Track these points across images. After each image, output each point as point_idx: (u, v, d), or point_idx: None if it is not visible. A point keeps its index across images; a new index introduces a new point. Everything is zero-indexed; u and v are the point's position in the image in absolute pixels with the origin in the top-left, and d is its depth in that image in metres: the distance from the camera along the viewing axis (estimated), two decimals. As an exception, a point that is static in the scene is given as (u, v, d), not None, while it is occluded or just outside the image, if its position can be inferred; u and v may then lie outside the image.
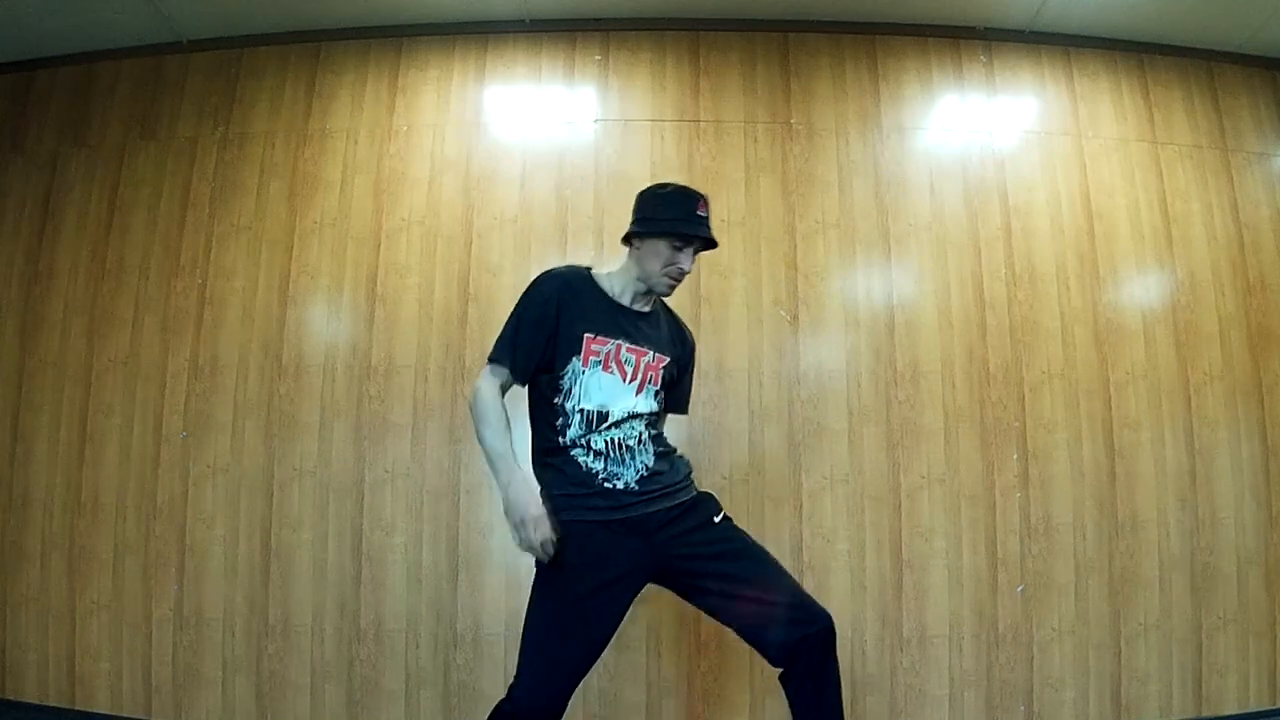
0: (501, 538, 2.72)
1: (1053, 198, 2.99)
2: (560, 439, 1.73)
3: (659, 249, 1.75)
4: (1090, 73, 3.13)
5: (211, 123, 3.08)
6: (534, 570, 1.71)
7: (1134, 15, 3.02)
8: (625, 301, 1.80)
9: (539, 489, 1.71)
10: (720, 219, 2.93)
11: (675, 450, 1.84)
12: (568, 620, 1.65)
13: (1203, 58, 3.17)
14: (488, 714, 1.66)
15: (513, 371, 1.75)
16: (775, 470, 2.77)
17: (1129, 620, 2.73)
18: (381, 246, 2.93)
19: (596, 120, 3.03)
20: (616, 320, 1.76)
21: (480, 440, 1.71)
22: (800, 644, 1.65)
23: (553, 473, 1.75)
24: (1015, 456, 2.80)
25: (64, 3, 2.92)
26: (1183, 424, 2.85)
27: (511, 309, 1.79)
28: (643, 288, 1.80)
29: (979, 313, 2.89)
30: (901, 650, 2.69)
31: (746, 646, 2.66)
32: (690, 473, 1.85)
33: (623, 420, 1.73)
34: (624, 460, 1.73)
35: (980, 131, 3.05)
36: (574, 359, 1.72)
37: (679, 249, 1.76)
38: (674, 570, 1.74)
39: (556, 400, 1.74)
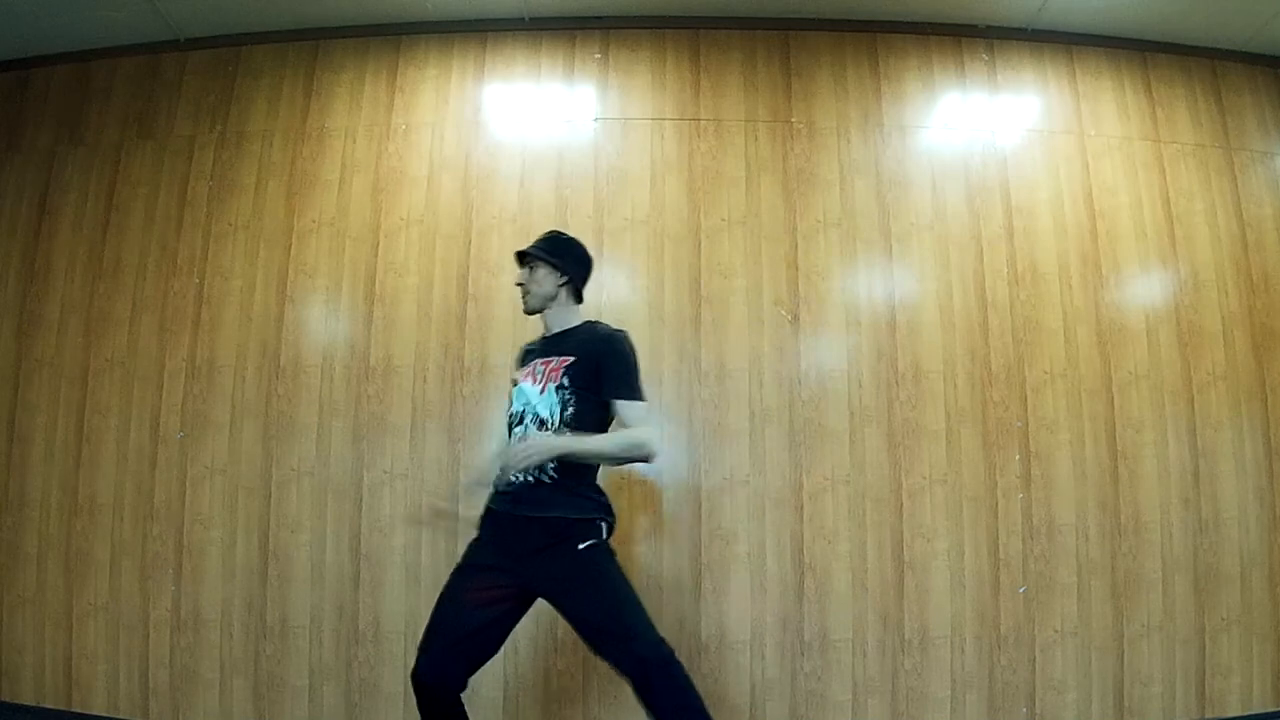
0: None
1: (1055, 197, 2.98)
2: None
3: None
4: (1093, 71, 3.11)
5: (209, 121, 3.06)
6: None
7: (1137, 13, 3.00)
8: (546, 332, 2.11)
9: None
10: (721, 218, 2.92)
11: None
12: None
13: (1206, 56, 3.15)
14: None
15: None
16: (776, 471, 2.75)
17: (1132, 622, 2.72)
18: (380, 246, 2.92)
19: (596, 118, 3.01)
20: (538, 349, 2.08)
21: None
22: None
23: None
24: (1017, 457, 2.79)
25: (61, 0, 2.90)
26: (1186, 424, 2.84)
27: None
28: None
29: (981, 312, 2.87)
30: (904, 652, 2.67)
31: (746, 649, 2.67)
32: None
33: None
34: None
35: (982, 130, 3.04)
36: None
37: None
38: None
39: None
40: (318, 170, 2.99)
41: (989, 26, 3.11)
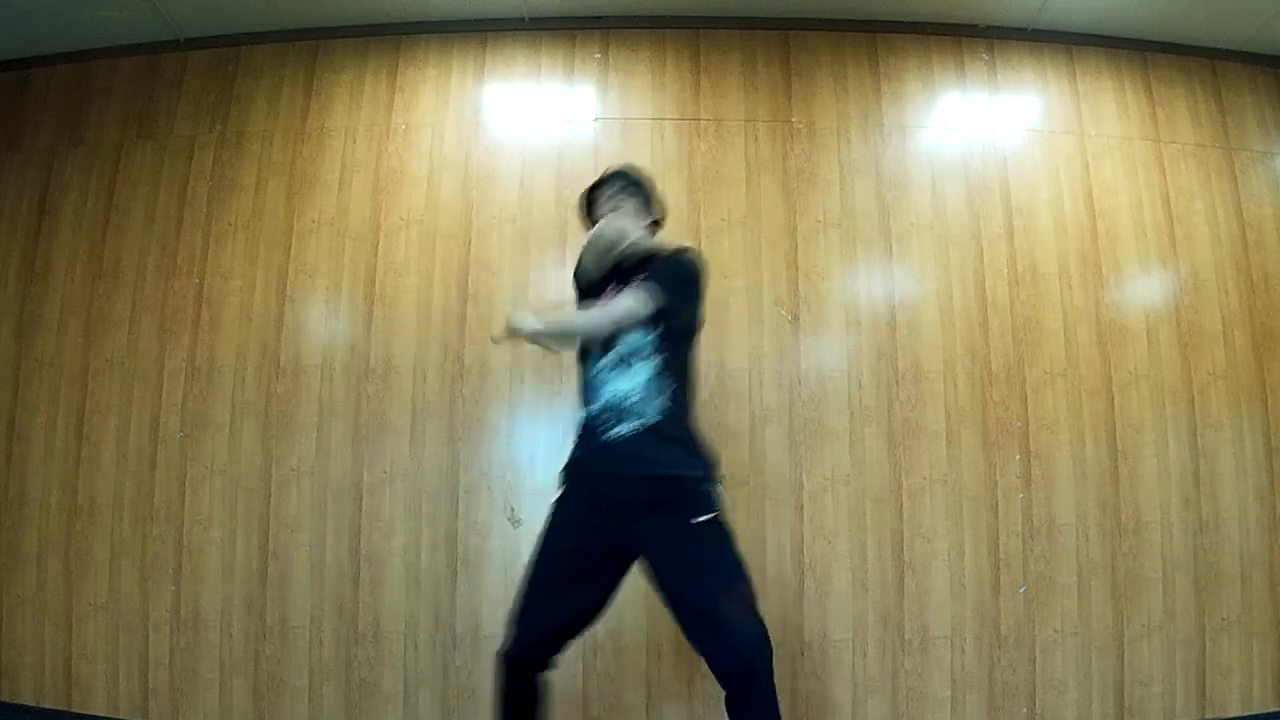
0: (501, 538, 2.71)
1: (1055, 196, 2.97)
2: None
3: None
4: (1093, 70, 3.11)
5: (209, 121, 3.06)
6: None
7: (1137, 12, 3.00)
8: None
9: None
10: (720, 218, 2.92)
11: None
12: None
13: (1206, 55, 3.15)
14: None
15: None
16: (776, 471, 2.75)
17: (1132, 622, 2.72)
18: (380, 246, 2.92)
19: (596, 118, 3.01)
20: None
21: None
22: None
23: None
24: (1017, 457, 2.79)
25: (61, 0, 2.90)
26: (1186, 424, 2.84)
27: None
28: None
29: (981, 312, 2.87)
30: (904, 652, 2.67)
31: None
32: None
33: None
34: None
35: (982, 130, 3.04)
36: None
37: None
38: None
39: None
40: (318, 170, 2.99)
41: (989, 26, 3.11)
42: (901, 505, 2.74)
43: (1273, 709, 2.70)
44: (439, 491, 2.75)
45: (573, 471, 1.83)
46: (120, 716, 2.70)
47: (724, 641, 1.65)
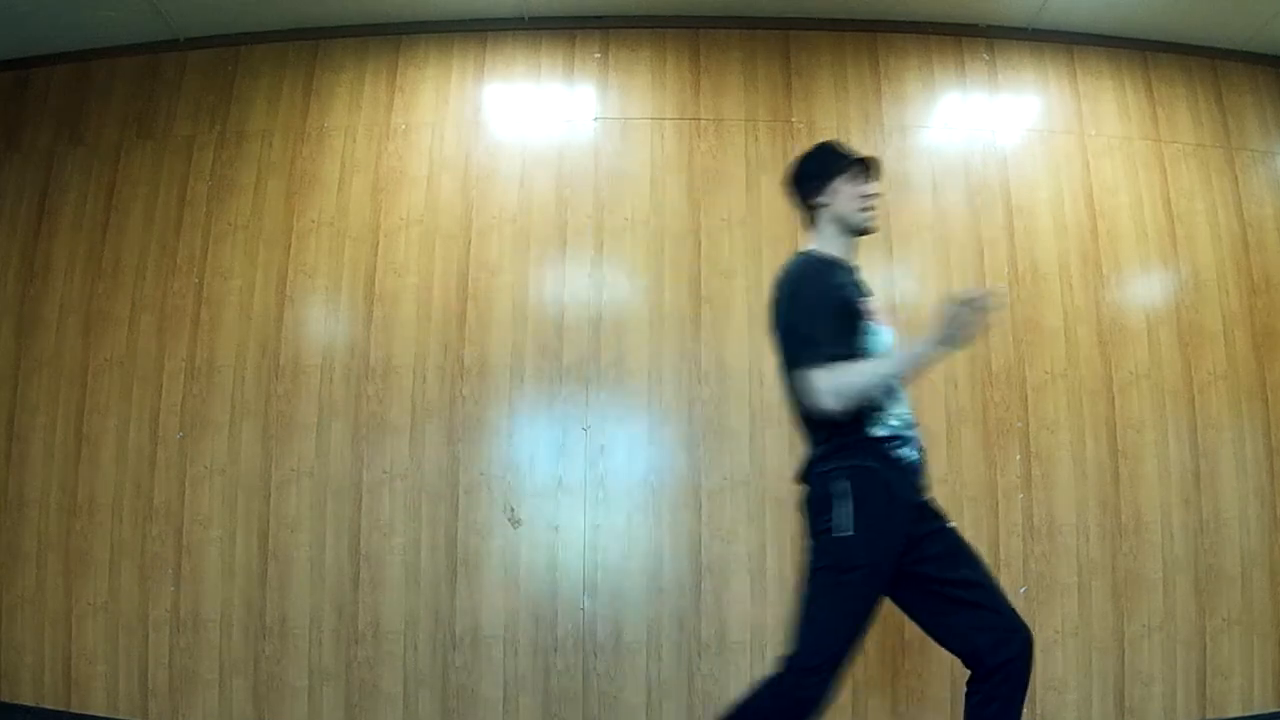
0: (501, 538, 2.71)
1: (1055, 196, 2.97)
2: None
3: (848, 190, 1.89)
4: (1093, 70, 3.11)
5: (208, 121, 3.06)
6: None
7: (1137, 12, 3.00)
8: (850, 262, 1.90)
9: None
10: (721, 218, 2.91)
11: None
12: None
13: (1207, 55, 3.15)
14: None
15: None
16: (777, 472, 2.74)
17: (1132, 622, 2.71)
18: (380, 246, 2.92)
19: (596, 118, 3.01)
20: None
21: (875, 382, 1.74)
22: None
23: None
24: (1018, 457, 2.78)
25: (61, 0, 2.90)
26: (1186, 424, 2.83)
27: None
28: (852, 237, 1.92)
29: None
30: (903, 653, 2.67)
31: (746, 650, 2.66)
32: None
33: None
34: None
35: (983, 130, 3.03)
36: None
37: (862, 178, 1.89)
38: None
39: None
40: (317, 170, 2.99)
41: (989, 26, 3.10)
42: (902, 505, 2.74)
43: (1273, 709, 2.70)
44: (439, 491, 2.75)
45: (883, 490, 1.76)
46: (120, 717, 2.70)
47: (1008, 620, 1.72)
